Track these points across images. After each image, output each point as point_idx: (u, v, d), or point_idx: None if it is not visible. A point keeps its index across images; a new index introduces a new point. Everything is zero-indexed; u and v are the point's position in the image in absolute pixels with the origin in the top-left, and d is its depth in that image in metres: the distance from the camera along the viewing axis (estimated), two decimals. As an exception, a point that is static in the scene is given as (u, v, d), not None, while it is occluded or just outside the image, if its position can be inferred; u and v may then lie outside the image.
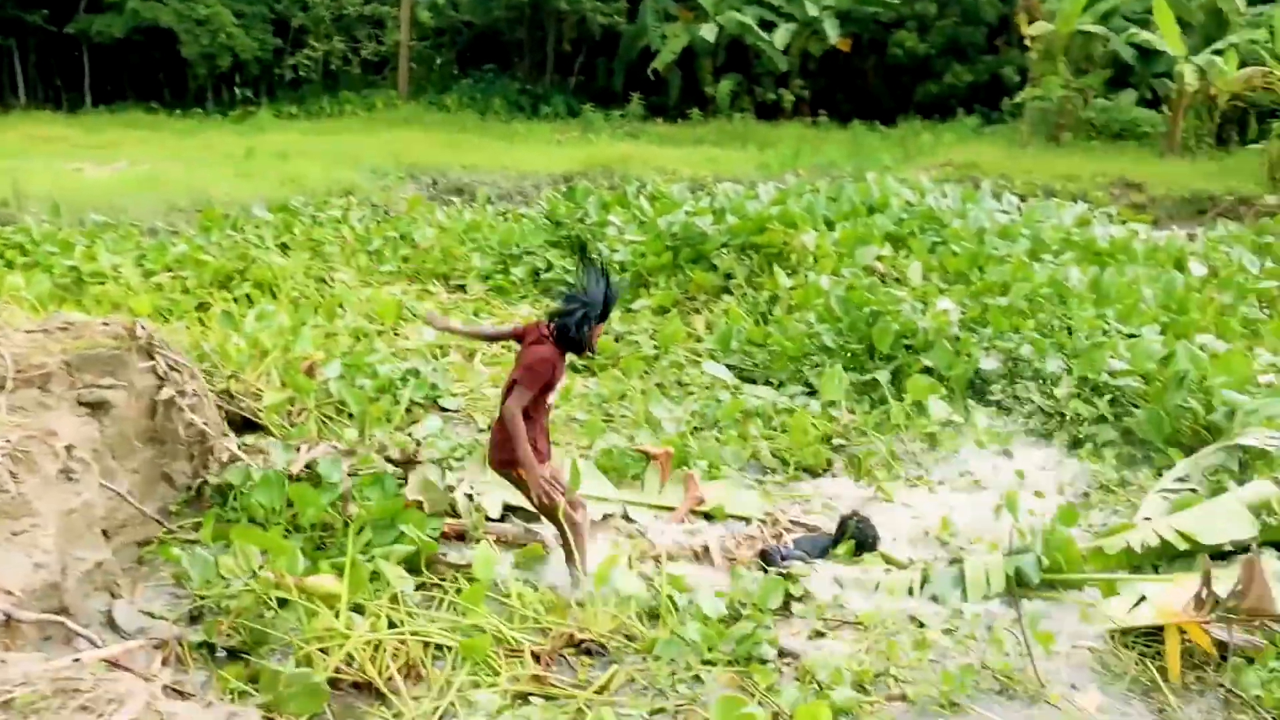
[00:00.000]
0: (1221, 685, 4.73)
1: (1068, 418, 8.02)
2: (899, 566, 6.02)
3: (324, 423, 7.50)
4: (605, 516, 6.40)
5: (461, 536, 6.05)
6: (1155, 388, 7.89)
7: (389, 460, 6.41)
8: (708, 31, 26.70)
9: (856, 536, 6.14)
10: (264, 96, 30.01)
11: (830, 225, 12.04)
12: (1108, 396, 8.00)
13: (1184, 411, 7.64)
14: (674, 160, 20.72)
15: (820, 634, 5.23)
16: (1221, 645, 4.85)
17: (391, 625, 4.89)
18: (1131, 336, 8.82)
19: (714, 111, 28.37)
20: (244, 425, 7.19)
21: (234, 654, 4.76)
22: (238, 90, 29.99)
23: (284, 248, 12.25)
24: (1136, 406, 7.88)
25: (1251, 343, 9.70)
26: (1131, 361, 8.16)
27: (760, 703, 4.43)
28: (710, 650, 4.83)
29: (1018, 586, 5.41)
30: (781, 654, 4.90)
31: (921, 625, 5.20)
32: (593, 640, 4.99)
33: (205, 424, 6.25)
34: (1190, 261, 12.12)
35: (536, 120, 28.37)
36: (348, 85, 30.75)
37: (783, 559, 5.94)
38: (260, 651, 4.72)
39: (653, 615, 5.22)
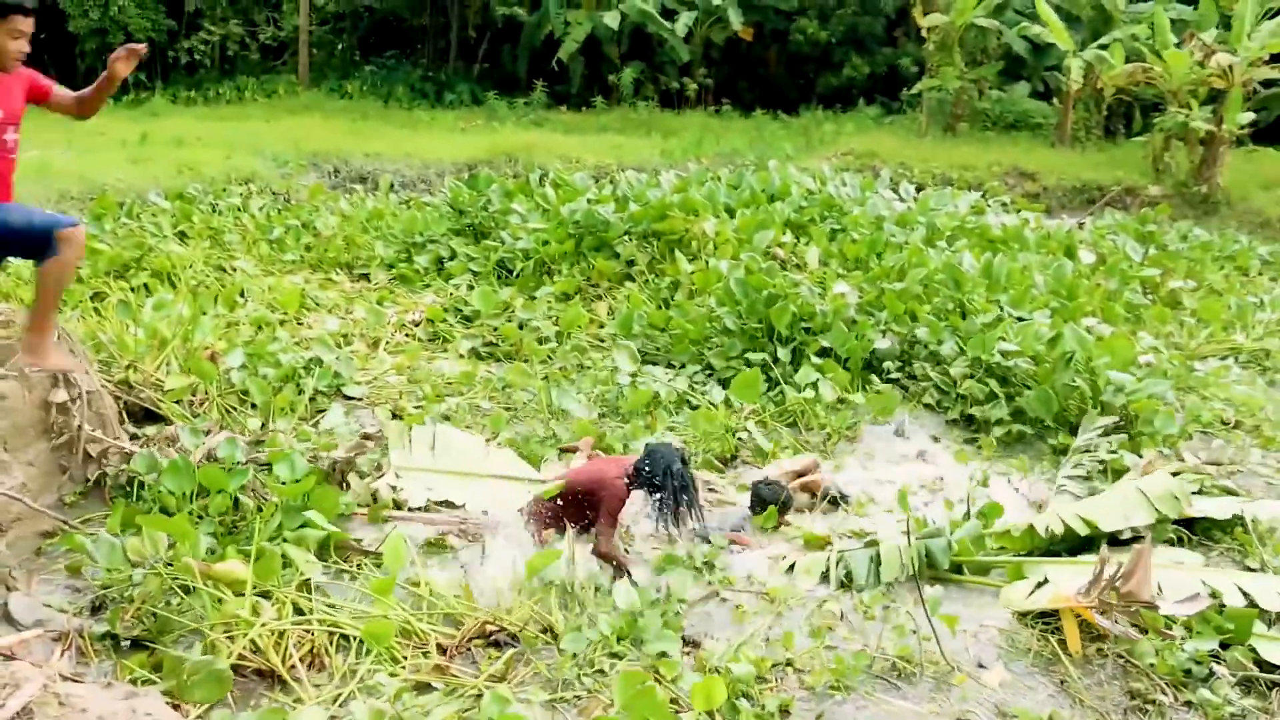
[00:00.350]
0: (1119, 656, 4.95)
1: (963, 397, 8.30)
2: (819, 543, 6.15)
3: (227, 413, 7.43)
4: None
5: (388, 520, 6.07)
6: (1044, 369, 8.20)
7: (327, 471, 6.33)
8: (611, 19, 26.65)
9: (769, 498, 6.30)
10: (158, 81, 29.16)
11: (731, 213, 12.21)
12: (999, 377, 8.30)
13: (1071, 391, 7.98)
14: (578, 148, 20.66)
15: (724, 599, 5.38)
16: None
17: (299, 612, 4.90)
18: (1022, 320, 9.14)
19: (618, 100, 28.36)
20: (145, 416, 7.09)
21: (138, 644, 4.71)
22: (130, 74, 29.10)
23: (182, 236, 12.01)
24: (1027, 387, 8.17)
25: (1134, 326, 10.20)
26: (1021, 343, 8.45)
27: (664, 686, 4.49)
28: (619, 643, 4.85)
29: (928, 569, 5.61)
30: (685, 642, 4.96)
31: (822, 604, 5.35)
32: (504, 632, 4.98)
33: (103, 416, 6.16)
34: (1080, 249, 12.60)
35: (440, 108, 28.03)
36: (246, 70, 30.01)
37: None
38: (165, 640, 4.68)
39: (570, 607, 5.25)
